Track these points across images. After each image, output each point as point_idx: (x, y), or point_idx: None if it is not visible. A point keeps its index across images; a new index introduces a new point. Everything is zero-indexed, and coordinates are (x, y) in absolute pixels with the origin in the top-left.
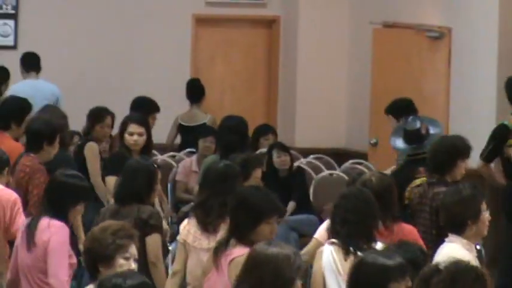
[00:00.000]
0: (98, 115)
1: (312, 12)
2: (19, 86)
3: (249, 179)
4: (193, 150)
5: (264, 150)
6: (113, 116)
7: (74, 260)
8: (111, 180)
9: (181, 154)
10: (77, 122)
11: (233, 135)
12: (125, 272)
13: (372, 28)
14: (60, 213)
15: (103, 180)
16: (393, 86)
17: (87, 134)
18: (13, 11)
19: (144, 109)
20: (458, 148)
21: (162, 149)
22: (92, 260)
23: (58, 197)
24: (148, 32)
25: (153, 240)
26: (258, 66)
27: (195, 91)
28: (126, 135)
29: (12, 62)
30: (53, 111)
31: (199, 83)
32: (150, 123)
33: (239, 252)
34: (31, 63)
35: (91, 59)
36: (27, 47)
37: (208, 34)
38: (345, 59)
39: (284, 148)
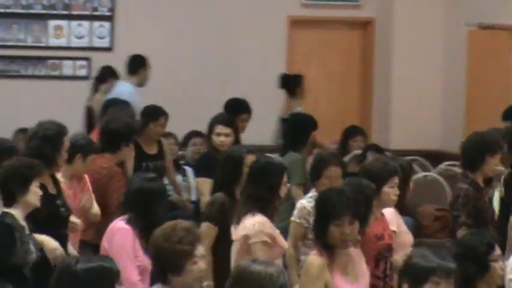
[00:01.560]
0: (153, 113)
1: (407, 14)
2: (126, 86)
3: (320, 178)
4: None
5: (357, 152)
6: (166, 116)
7: (143, 262)
8: (203, 182)
9: None
10: (173, 124)
11: (299, 133)
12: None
13: (467, 30)
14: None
15: None
16: (488, 88)
17: (141, 132)
18: (109, 13)
19: (233, 110)
20: (487, 143)
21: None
22: (160, 268)
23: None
24: (244, 34)
25: None
26: (353, 68)
27: (290, 82)
28: (214, 136)
29: (107, 63)
30: (123, 110)
31: (294, 76)
32: (238, 124)
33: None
34: (137, 65)
35: (186, 61)
36: (123, 49)
37: (303, 36)
38: (440, 60)
39: (379, 150)
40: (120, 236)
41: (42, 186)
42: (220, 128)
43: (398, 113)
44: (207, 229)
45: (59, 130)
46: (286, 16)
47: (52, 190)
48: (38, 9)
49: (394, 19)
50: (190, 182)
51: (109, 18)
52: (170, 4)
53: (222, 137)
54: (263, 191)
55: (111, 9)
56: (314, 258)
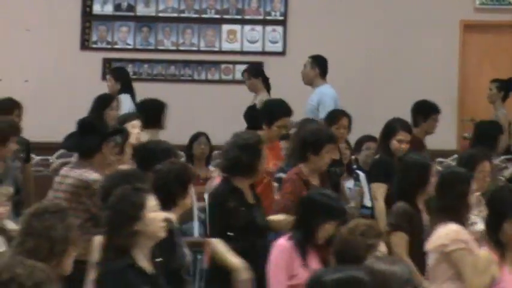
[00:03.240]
0: (335, 118)
1: None
2: (329, 89)
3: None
4: None
5: None
6: (349, 118)
7: (298, 281)
8: (378, 187)
9: None
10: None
11: None
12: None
13: None
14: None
15: None
16: None
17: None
18: (282, 18)
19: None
20: None
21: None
22: (342, 262)
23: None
24: (415, 38)
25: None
26: None
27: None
28: (394, 142)
29: (280, 67)
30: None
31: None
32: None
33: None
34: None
35: (358, 65)
36: (295, 53)
37: (476, 40)
38: None
39: None
40: (276, 253)
41: (241, 195)
42: (402, 135)
43: None
44: (398, 238)
45: (257, 139)
46: (459, 20)
47: (250, 200)
48: (211, 14)
49: None
50: (362, 187)
51: (282, 23)
52: (343, 8)
53: (404, 143)
54: (452, 200)
55: (284, 14)
56: (484, 253)
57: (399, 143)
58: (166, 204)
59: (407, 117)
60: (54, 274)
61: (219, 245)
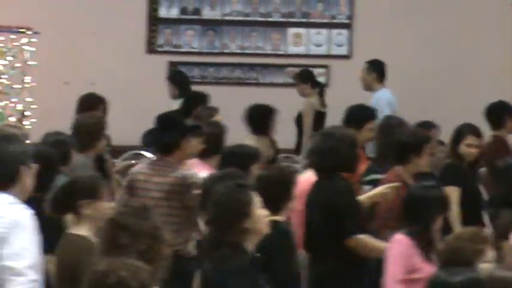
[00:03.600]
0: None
1: None
2: (385, 94)
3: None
4: None
5: None
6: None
7: (421, 275)
8: (452, 191)
9: None
10: None
11: None
12: None
13: None
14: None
15: None
16: None
17: None
18: (347, 21)
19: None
20: None
21: None
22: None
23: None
24: (483, 42)
25: None
26: None
27: None
28: (463, 146)
29: (345, 71)
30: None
31: None
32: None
33: None
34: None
35: (424, 70)
36: (361, 56)
37: None
38: None
39: None
40: (395, 247)
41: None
42: (471, 139)
43: None
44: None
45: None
46: None
47: None
48: (276, 17)
49: None
50: None
51: (347, 26)
52: (409, 11)
53: (473, 148)
54: None
55: (350, 17)
56: None
57: (468, 147)
58: (275, 208)
59: (476, 120)
60: (155, 274)
61: (367, 239)
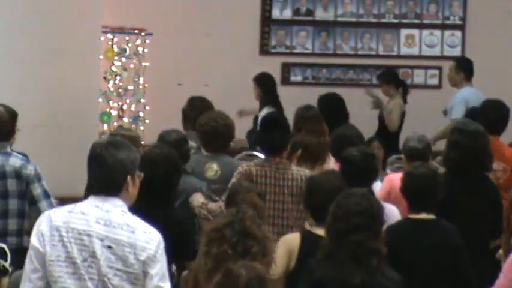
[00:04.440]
0: None
1: None
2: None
3: None
4: None
5: None
6: None
7: None
8: None
9: None
10: None
11: None
12: None
13: None
14: None
15: None
16: None
17: None
18: (460, 22)
19: None
20: None
21: None
22: None
23: None
24: None
25: None
26: None
27: None
28: None
29: None
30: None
31: None
32: None
33: None
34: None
35: None
36: (474, 57)
37: None
38: None
39: None
40: None
41: None
42: None
43: None
44: None
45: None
46: None
47: None
48: (389, 19)
49: None
50: None
51: (460, 27)
52: None
53: None
54: None
55: (463, 18)
56: None
57: None
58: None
59: None
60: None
61: None
